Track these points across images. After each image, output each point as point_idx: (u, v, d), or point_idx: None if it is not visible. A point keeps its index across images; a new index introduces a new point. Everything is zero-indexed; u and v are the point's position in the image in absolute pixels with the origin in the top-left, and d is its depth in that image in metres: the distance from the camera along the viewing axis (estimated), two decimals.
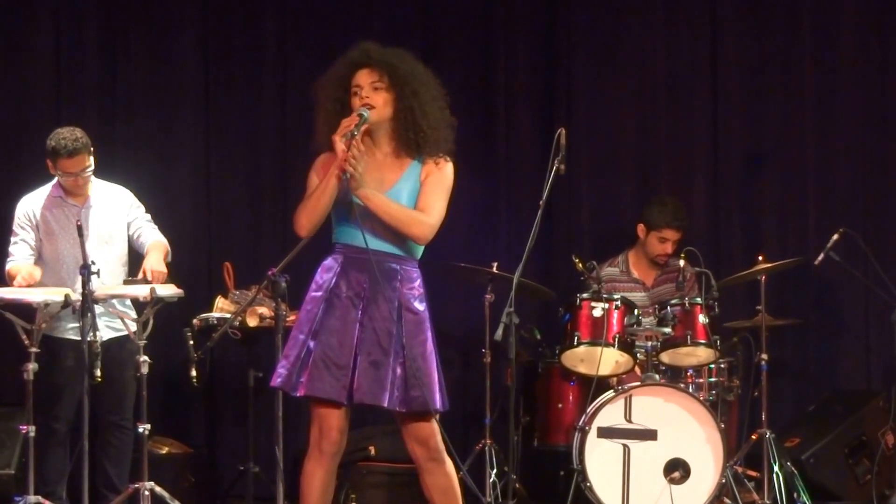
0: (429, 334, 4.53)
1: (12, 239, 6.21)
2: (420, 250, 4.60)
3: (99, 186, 6.30)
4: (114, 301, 6.09)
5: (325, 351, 4.45)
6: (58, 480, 6.17)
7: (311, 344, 4.47)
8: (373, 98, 4.47)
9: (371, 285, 4.47)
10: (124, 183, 6.47)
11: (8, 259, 6.18)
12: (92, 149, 6.15)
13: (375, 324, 4.45)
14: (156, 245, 6.24)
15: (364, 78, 4.48)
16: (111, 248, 6.19)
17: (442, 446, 4.57)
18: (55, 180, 6.21)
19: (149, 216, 6.39)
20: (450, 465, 4.59)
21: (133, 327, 6.02)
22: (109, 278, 6.14)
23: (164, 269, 6.10)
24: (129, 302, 6.21)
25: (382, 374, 4.43)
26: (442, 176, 4.56)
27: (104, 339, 6.04)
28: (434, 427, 4.55)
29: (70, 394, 6.06)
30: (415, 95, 4.47)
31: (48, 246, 6.16)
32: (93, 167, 6.15)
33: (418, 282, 4.56)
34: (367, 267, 4.48)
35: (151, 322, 6.06)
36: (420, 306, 4.53)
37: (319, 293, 4.51)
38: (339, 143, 4.39)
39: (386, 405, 4.44)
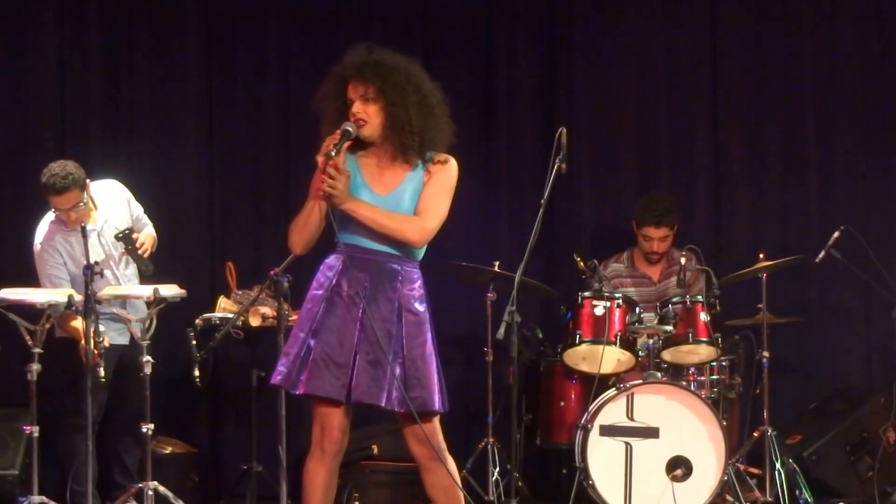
0: (429, 335, 4.53)
1: (48, 273, 6.18)
2: (421, 251, 4.60)
3: (99, 199, 6.30)
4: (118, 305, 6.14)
5: (324, 349, 4.46)
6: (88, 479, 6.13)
7: (312, 342, 4.48)
8: (364, 111, 4.47)
9: (372, 285, 4.49)
10: (128, 183, 6.49)
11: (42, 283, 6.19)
12: (86, 180, 6.13)
13: (375, 323, 4.45)
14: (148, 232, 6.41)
15: (353, 91, 4.48)
16: (126, 256, 6.24)
17: (443, 446, 4.58)
18: (56, 217, 6.23)
19: (142, 208, 6.49)
20: (451, 464, 4.59)
21: (137, 329, 6.05)
22: (127, 283, 6.26)
23: (149, 251, 6.29)
24: (135, 303, 6.24)
25: (381, 374, 4.44)
26: (444, 177, 4.56)
27: (116, 344, 6.12)
28: (435, 427, 4.55)
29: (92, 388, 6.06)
30: (404, 100, 4.45)
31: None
32: (85, 201, 6.11)
33: (419, 283, 4.56)
34: (369, 266, 4.50)
35: (154, 322, 6.10)
36: (420, 307, 4.54)
37: (320, 292, 4.51)
38: (320, 163, 4.41)
39: (384, 405, 4.44)
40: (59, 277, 6.15)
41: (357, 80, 4.48)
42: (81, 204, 6.11)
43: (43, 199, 6.28)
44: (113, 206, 6.34)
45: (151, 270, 6.23)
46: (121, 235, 6.12)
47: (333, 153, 4.39)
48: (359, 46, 4.55)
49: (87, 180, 6.16)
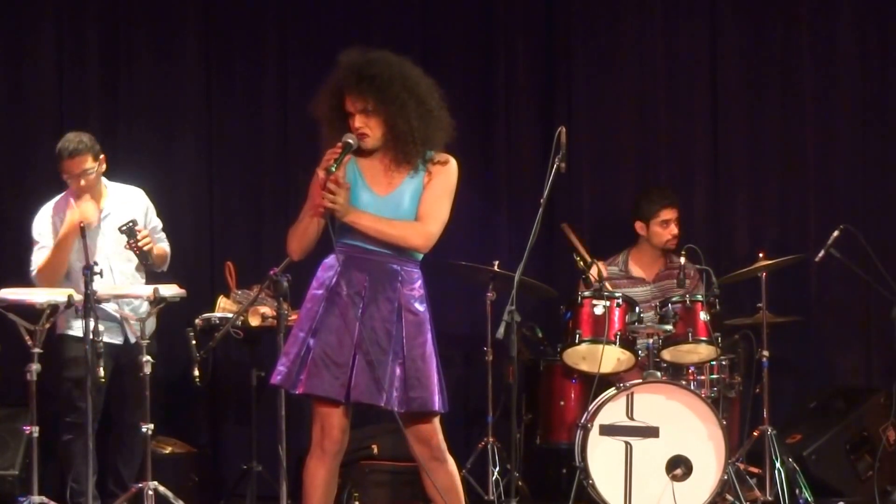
0: (429, 335, 4.54)
1: (35, 248, 6.21)
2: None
3: (114, 191, 6.33)
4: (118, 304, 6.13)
5: (324, 349, 4.46)
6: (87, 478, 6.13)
7: (311, 342, 4.48)
8: (365, 125, 4.47)
9: (371, 285, 4.49)
10: (128, 183, 6.49)
11: (32, 266, 6.19)
12: (100, 154, 6.19)
13: (375, 323, 4.46)
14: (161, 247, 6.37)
15: (352, 105, 4.48)
16: (128, 252, 6.21)
17: (444, 445, 4.58)
18: (68, 189, 6.24)
19: (161, 224, 6.46)
20: (452, 463, 4.60)
21: (136, 329, 6.04)
22: (124, 280, 6.23)
23: (151, 245, 6.17)
24: (136, 303, 6.23)
25: (380, 374, 4.44)
26: (444, 179, 4.56)
27: (110, 343, 6.11)
28: (435, 426, 4.56)
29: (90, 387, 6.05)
30: (404, 112, 4.45)
31: None
32: (95, 171, 6.17)
33: (419, 283, 4.57)
34: (368, 266, 4.50)
35: (154, 322, 6.09)
36: (420, 307, 4.54)
37: (320, 291, 4.52)
38: (320, 178, 4.41)
39: (383, 405, 4.45)
40: (43, 240, 6.17)
41: (354, 95, 4.47)
42: (92, 172, 6.14)
43: (43, 197, 6.29)
44: (130, 209, 6.32)
45: (152, 263, 6.22)
46: (124, 228, 6.10)
47: (334, 168, 4.39)
48: (351, 51, 4.54)
49: (102, 155, 6.20)
